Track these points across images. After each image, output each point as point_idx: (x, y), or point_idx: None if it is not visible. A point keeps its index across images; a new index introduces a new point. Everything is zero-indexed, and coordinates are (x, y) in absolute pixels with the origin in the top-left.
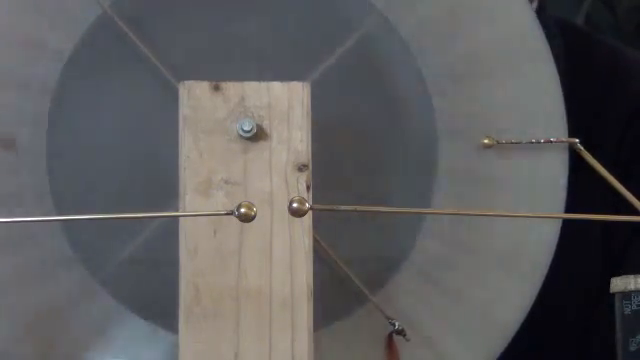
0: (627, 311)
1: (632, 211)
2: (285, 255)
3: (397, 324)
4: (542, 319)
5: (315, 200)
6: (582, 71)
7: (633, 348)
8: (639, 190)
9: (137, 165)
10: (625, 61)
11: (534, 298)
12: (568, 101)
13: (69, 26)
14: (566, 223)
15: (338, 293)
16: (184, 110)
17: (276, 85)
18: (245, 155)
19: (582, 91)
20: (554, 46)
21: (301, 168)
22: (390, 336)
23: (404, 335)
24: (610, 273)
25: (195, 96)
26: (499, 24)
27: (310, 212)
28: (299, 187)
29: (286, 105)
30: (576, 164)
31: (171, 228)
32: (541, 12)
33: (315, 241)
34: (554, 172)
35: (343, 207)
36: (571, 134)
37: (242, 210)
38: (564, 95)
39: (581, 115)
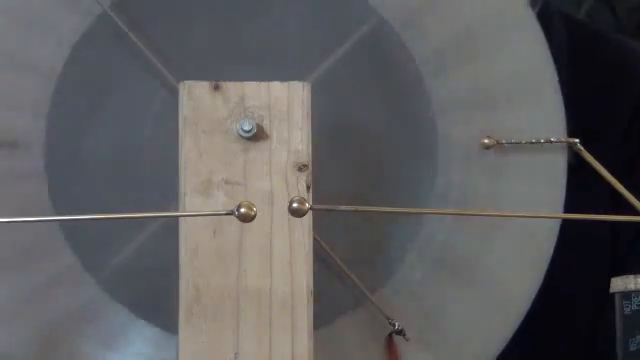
0: (627, 311)
1: (633, 211)
2: (285, 255)
3: (397, 324)
4: (545, 319)
5: (315, 200)
6: (586, 65)
7: (633, 348)
8: None
9: (137, 165)
10: (629, 53)
11: (533, 299)
12: (572, 95)
13: (69, 26)
14: (571, 223)
15: (338, 293)
16: (184, 110)
17: (276, 85)
18: (245, 155)
19: (586, 85)
20: (558, 41)
21: (301, 168)
22: (390, 336)
23: (404, 335)
24: (615, 273)
25: (195, 96)
26: (499, 26)
27: (310, 212)
28: (299, 187)
29: (286, 105)
30: (577, 164)
31: (171, 228)
32: (545, 7)
33: (315, 241)
34: (554, 172)
35: (343, 207)
36: (575, 129)
37: (242, 210)
38: (568, 89)
39: (585, 109)
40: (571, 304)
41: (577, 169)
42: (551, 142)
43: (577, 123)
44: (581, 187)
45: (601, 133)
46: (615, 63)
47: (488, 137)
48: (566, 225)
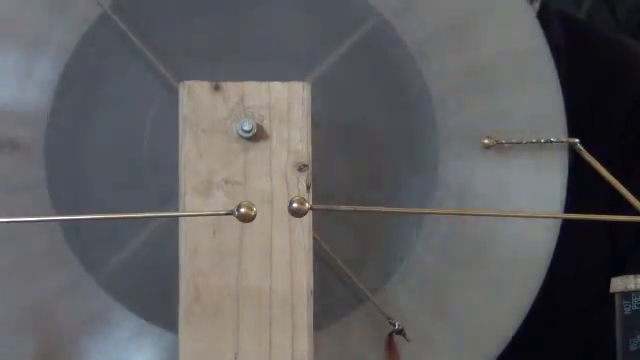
0: (627, 311)
1: (633, 210)
2: (285, 255)
3: (397, 324)
4: (545, 319)
5: (315, 200)
6: (584, 64)
7: (633, 348)
8: None
9: (137, 165)
10: (627, 52)
11: (533, 299)
12: (570, 94)
13: (70, 26)
14: (570, 223)
15: (338, 293)
16: (184, 110)
17: (276, 85)
18: (245, 155)
19: (584, 84)
20: (556, 40)
21: (301, 168)
22: (390, 336)
23: (404, 335)
24: (615, 273)
25: (195, 96)
26: (500, 25)
27: (310, 212)
28: (299, 187)
29: (286, 105)
30: (576, 164)
31: (171, 228)
32: (544, 7)
33: (315, 241)
34: (554, 172)
35: (343, 207)
36: (574, 128)
37: (242, 210)
38: (566, 89)
39: (584, 107)
40: (569, 304)
41: (576, 169)
42: (551, 142)
43: (575, 122)
44: (580, 187)
45: (598, 132)
46: (613, 62)
47: (488, 137)
48: (565, 225)
